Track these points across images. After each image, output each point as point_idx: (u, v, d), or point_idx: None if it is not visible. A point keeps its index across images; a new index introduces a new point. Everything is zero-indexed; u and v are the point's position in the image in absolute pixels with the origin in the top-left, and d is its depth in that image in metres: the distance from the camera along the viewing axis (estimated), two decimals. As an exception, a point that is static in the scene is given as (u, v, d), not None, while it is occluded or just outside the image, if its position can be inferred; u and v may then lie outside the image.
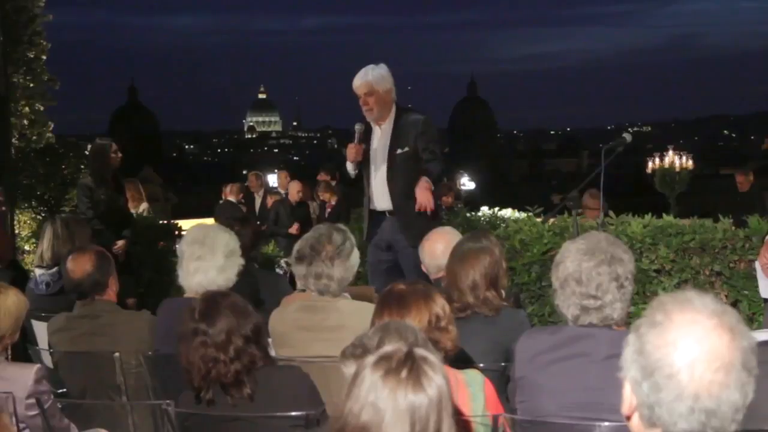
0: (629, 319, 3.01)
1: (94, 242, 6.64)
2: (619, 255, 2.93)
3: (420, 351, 1.94)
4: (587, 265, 2.89)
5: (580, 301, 2.88)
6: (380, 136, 6.01)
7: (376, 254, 6.11)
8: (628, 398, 1.70)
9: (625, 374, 1.70)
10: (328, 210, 11.77)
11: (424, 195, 5.57)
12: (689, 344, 1.61)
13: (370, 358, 1.90)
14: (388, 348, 1.93)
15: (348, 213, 10.78)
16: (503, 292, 4.03)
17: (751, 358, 1.63)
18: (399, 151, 5.92)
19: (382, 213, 6.06)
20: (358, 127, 6.01)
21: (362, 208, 6.46)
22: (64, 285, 4.71)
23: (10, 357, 3.90)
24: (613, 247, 2.94)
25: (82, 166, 10.84)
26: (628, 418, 1.72)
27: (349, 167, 6.10)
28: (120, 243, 7.42)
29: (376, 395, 1.83)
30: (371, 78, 5.89)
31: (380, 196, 6.02)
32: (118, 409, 3.99)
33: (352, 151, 5.98)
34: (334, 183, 12.41)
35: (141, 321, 4.42)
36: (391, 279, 5.12)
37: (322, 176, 12.85)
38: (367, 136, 6.07)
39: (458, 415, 2.93)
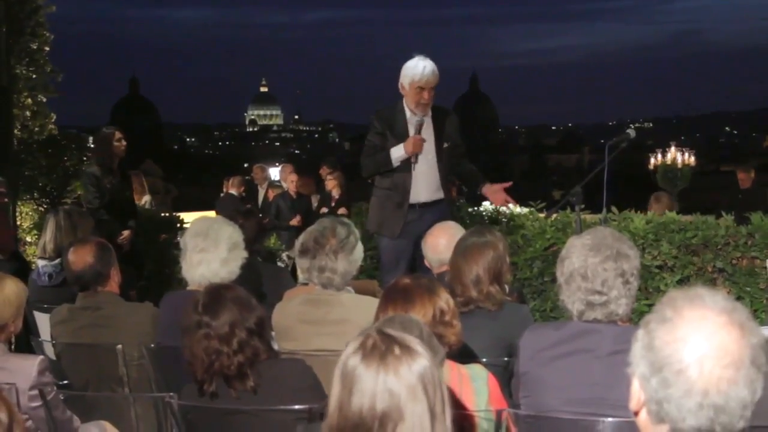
0: (631, 315, 3.01)
1: (97, 233, 6.65)
2: (624, 251, 2.92)
3: (386, 329, 2.00)
4: (593, 261, 2.88)
5: (586, 297, 2.88)
6: (422, 129, 5.97)
7: (405, 250, 6.01)
8: (637, 394, 1.69)
9: (633, 370, 1.69)
10: (332, 204, 11.75)
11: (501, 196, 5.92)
12: (699, 340, 1.61)
13: (354, 357, 1.91)
14: (358, 340, 1.94)
15: (349, 207, 10.78)
16: (507, 287, 4.03)
17: (761, 355, 1.62)
18: (446, 144, 6.00)
19: (419, 206, 5.97)
20: (419, 119, 5.92)
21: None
22: (66, 277, 4.70)
23: (13, 347, 3.90)
24: (618, 243, 2.93)
25: (84, 158, 10.83)
26: (636, 413, 1.71)
27: (400, 158, 5.92)
28: (125, 233, 7.40)
29: (385, 381, 1.86)
30: (437, 71, 5.87)
31: (424, 188, 5.98)
32: (121, 401, 3.99)
33: (419, 143, 5.87)
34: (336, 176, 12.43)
35: (143, 313, 4.41)
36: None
37: (324, 170, 12.83)
38: (404, 125, 5.99)
39: (462, 410, 2.93)
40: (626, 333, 2.66)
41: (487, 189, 5.96)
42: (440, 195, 6.03)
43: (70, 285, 4.59)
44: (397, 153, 5.89)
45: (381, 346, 1.90)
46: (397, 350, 1.89)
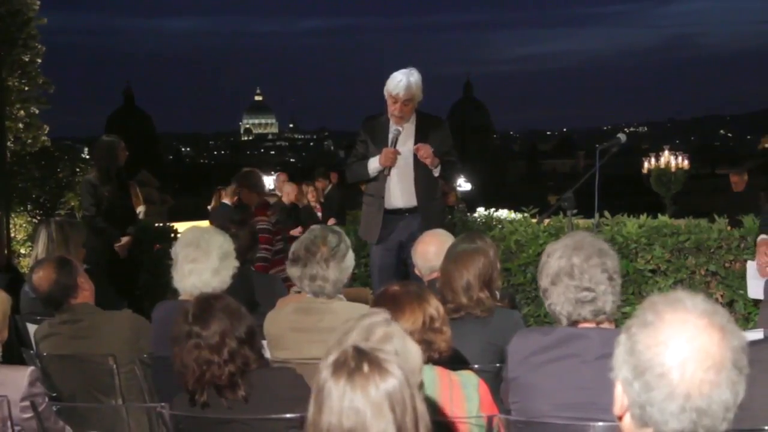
0: (624, 320, 3.01)
1: (94, 241, 6.62)
2: (605, 249, 2.97)
3: (365, 343, 2.00)
4: (578, 259, 2.90)
5: (575, 295, 2.89)
6: (402, 137, 6.00)
7: (387, 256, 6.06)
8: (620, 398, 1.70)
9: (616, 374, 1.70)
10: (319, 213, 11.80)
11: (425, 150, 5.84)
12: (680, 344, 1.61)
13: (326, 372, 1.91)
14: (333, 356, 1.94)
15: (343, 214, 10.84)
16: (497, 293, 4.03)
17: (742, 357, 1.63)
18: None
19: (397, 212, 6.04)
20: (395, 132, 5.97)
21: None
22: (39, 301, 4.63)
23: (1, 359, 3.89)
24: (598, 242, 2.99)
25: (78, 169, 10.84)
26: (620, 418, 1.72)
27: (376, 169, 6.01)
28: (124, 239, 7.39)
29: (351, 398, 1.85)
30: (414, 87, 5.87)
31: (401, 195, 6.02)
32: (113, 412, 3.98)
33: (390, 156, 5.92)
34: (330, 186, 12.51)
35: (122, 320, 4.38)
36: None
37: (321, 182, 12.90)
38: (385, 135, 6.03)
39: (453, 417, 2.93)
40: (613, 337, 2.65)
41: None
42: (414, 202, 6.00)
43: (45, 307, 4.53)
44: (373, 164, 6.00)
45: (351, 363, 1.89)
46: (366, 368, 1.88)
